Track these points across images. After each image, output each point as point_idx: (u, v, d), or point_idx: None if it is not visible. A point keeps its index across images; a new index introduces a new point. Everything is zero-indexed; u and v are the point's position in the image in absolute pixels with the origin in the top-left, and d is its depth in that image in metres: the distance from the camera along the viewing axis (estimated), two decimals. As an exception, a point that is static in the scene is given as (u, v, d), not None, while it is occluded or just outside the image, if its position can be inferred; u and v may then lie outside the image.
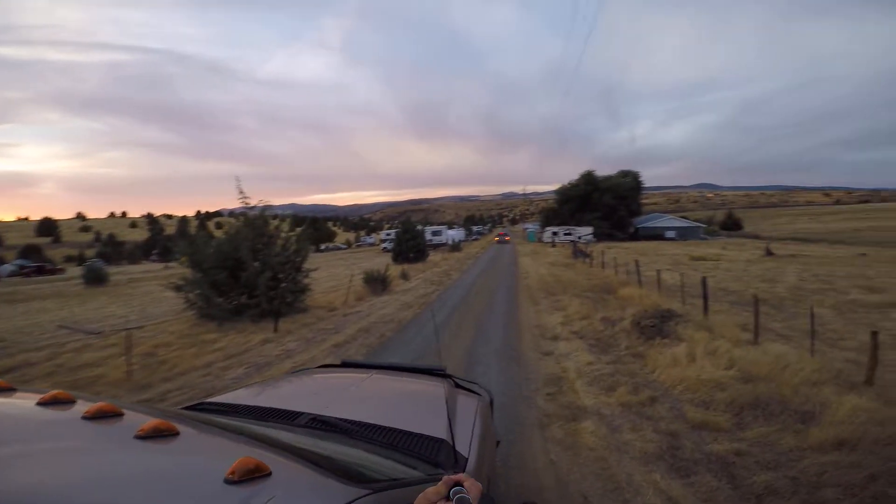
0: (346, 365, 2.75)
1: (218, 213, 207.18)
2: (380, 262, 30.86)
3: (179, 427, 0.93)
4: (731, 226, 67.30)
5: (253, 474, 0.75)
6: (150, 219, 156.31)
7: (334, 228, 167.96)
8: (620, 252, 30.93)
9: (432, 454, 1.44)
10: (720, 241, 48.09)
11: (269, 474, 0.77)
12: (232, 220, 12.21)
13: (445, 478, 0.76)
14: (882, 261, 21.45)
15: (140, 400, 5.40)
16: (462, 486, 0.74)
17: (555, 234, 44.74)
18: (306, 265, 12.60)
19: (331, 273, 24.55)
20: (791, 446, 3.69)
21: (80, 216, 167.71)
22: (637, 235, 52.74)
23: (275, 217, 13.54)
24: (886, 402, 4.29)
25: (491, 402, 2.57)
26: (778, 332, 8.18)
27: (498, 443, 2.66)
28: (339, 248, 76.53)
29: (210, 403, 1.79)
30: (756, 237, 52.35)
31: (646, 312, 8.11)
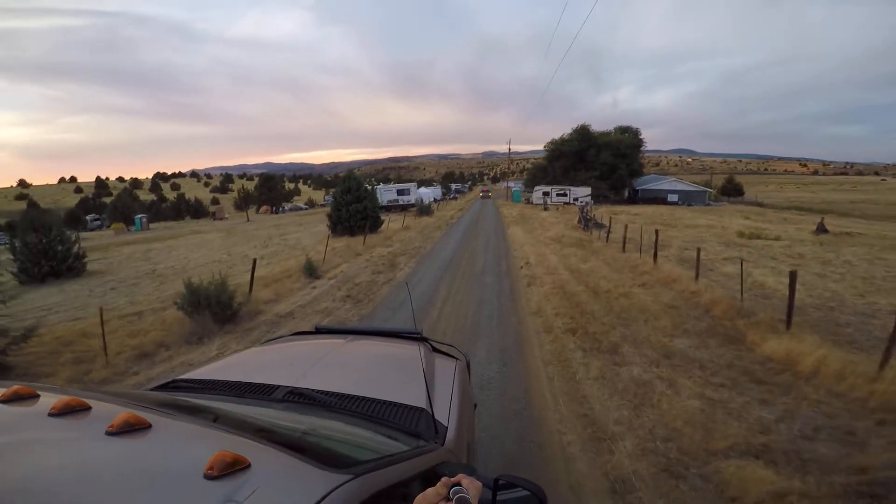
0: (319, 331, 2.63)
1: (179, 175, 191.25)
2: (319, 231, 22.96)
3: (151, 418, 0.89)
4: (732, 191, 61.16)
5: (232, 468, 0.72)
6: (98, 183, 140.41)
7: (303, 186, 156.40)
8: (633, 219, 23.81)
9: (412, 425, 1.42)
10: (724, 207, 42.27)
11: (249, 466, 0.74)
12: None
13: (444, 479, 0.76)
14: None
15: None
16: (461, 485, 0.75)
17: (546, 194, 37.17)
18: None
19: (231, 254, 16.62)
20: None
21: (22, 183, 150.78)
22: (636, 198, 46.18)
23: None
24: None
25: (468, 365, 2.51)
26: None
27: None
28: (299, 209, 67.54)
29: (183, 381, 1.72)
30: (759, 205, 47.41)
31: None
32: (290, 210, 64.22)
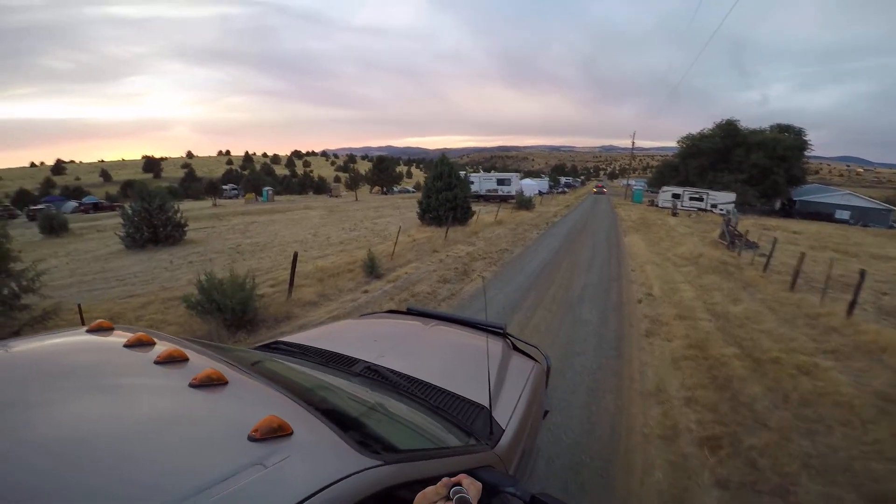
0: (410, 312, 2.76)
1: (311, 153, 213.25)
2: (412, 217, 21.96)
3: (232, 375, 0.98)
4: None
5: (275, 433, 0.77)
6: (245, 156, 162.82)
7: (415, 170, 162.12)
8: (792, 239, 18.44)
9: (468, 421, 1.44)
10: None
11: (291, 434, 0.79)
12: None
13: (444, 479, 0.76)
14: None
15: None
16: (461, 485, 0.75)
17: (676, 196, 31.62)
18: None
19: (317, 234, 16.24)
20: None
21: (189, 154, 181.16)
22: (790, 210, 37.69)
23: None
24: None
25: (548, 370, 2.44)
26: None
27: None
28: (407, 192, 69.39)
29: (283, 343, 1.93)
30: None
31: None
32: (399, 192, 66.20)
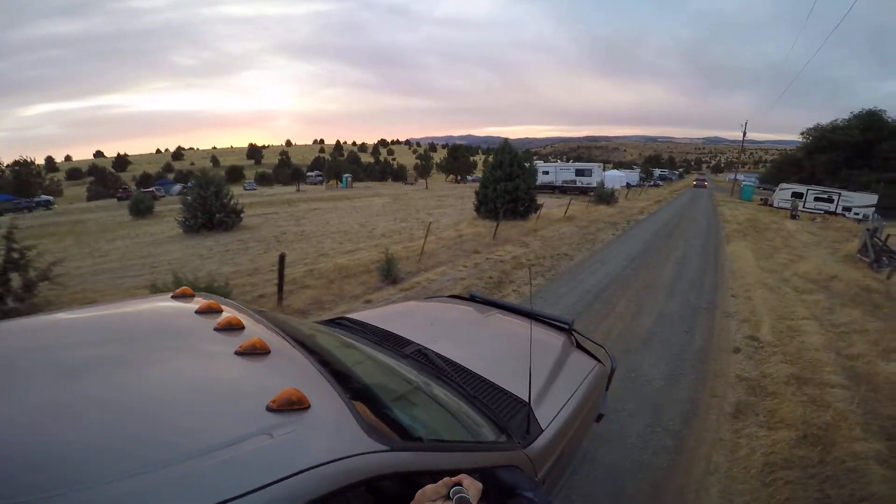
0: (473, 299, 2.69)
1: (396, 142, 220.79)
2: (469, 209, 20.35)
3: (276, 345, 1.01)
4: None
5: (292, 406, 0.77)
6: (336, 145, 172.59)
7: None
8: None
9: (505, 416, 1.38)
10: None
11: (307, 408, 0.79)
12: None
13: (445, 479, 0.76)
14: None
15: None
16: (462, 485, 0.74)
17: (797, 196, 26.09)
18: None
19: (364, 224, 15.43)
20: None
21: (287, 143, 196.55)
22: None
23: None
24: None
25: (612, 372, 2.34)
26: None
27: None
28: (479, 180, 67.78)
29: (346, 319, 2.00)
30: None
31: None
32: (472, 180, 64.89)
